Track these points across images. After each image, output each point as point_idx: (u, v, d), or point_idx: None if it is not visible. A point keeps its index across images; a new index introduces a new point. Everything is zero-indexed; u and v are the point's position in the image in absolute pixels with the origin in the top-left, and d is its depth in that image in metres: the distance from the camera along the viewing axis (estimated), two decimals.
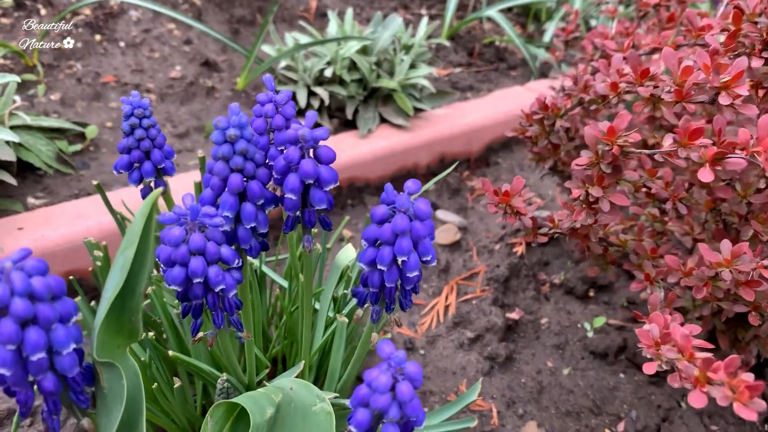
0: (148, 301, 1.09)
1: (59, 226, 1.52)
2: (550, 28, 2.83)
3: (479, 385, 1.18)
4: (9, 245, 1.42)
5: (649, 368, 0.97)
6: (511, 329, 1.68)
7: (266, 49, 2.25)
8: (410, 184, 0.77)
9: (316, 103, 2.11)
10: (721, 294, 1.11)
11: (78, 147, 1.84)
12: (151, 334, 1.04)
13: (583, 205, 1.13)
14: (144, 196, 1.00)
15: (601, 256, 1.35)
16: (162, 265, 0.76)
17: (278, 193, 0.87)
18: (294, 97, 2.22)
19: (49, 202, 1.65)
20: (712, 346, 0.99)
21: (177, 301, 1.11)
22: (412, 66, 2.23)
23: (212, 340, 0.84)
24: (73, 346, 0.62)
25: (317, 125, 2.13)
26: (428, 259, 0.78)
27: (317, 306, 1.23)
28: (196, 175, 1.73)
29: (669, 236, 1.34)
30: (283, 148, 0.89)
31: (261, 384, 1.10)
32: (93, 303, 1.25)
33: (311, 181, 0.76)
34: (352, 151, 2.00)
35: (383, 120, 2.17)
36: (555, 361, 1.60)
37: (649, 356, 0.99)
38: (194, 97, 2.17)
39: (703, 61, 1.03)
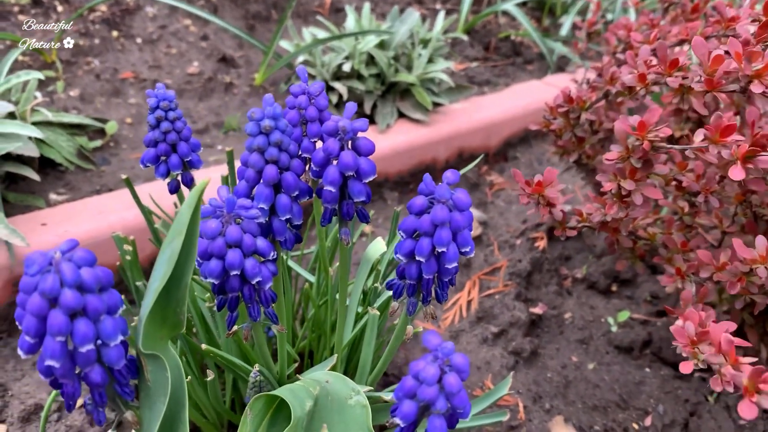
0: None
1: (82, 222, 1.51)
2: (567, 22, 2.81)
3: (510, 380, 1.17)
4: (33, 241, 1.42)
5: (686, 367, 0.96)
6: (534, 324, 1.67)
7: (284, 44, 2.24)
8: (449, 174, 0.76)
9: (334, 98, 2.10)
10: (755, 289, 1.10)
11: (98, 143, 1.84)
12: None
13: (615, 199, 1.12)
14: (172, 190, 1.00)
15: (630, 249, 1.34)
16: (198, 258, 0.75)
17: (309, 183, 0.87)
18: None
19: (70, 198, 1.65)
20: (750, 344, 0.98)
21: (207, 295, 1.11)
22: (430, 60, 2.22)
23: (247, 333, 0.84)
24: (120, 337, 0.61)
25: None
26: (467, 250, 0.77)
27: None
28: (216, 171, 1.73)
29: (698, 229, 1.33)
30: (316, 139, 0.89)
31: (290, 377, 1.10)
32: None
33: (351, 173, 0.76)
34: None
35: (401, 115, 2.16)
36: (580, 355, 1.58)
37: (684, 354, 0.98)
38: (212, 92, 2.17)
39: (734, 50, 1.02)
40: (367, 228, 1.93)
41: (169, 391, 0.66)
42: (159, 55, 2.26)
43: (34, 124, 1.64)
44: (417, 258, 0.75)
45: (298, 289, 1.51)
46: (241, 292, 0.77)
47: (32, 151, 1.54)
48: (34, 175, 1.57)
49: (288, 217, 0.79)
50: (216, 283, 0.75)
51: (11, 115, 1.61)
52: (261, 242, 0.75)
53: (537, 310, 1.69)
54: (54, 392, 1.06)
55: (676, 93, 1.06)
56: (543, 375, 1.52)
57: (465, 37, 2.50)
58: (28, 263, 0.57)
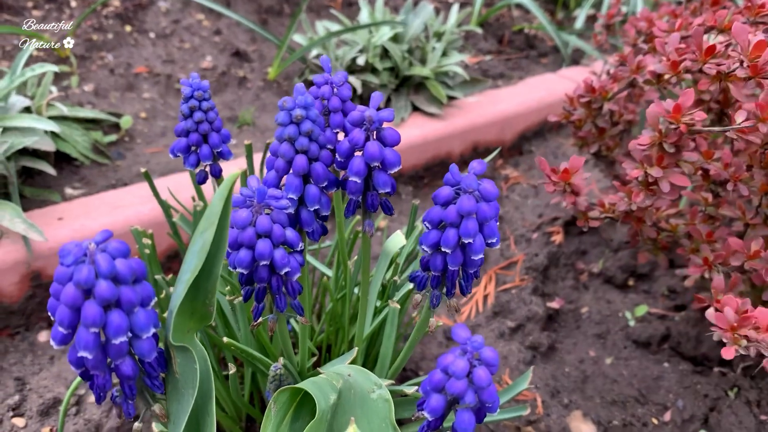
0: None
1: (98, 216, 1.51)
2: (582, 15, 2.79)
3: (530, 374, 1.16)
4: (49, 235, 1.42)
5: (728, 353, 0.95)
6: (551, 318, 1.66)
7: (297, 38, 2.23)
8: (476, 164, 0.75)
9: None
10: None
11: (113, 137, 1.83)
12: None
13: (641, 187, 1.11)
14: (200, 180, 0.99)
15: (653, 241, 1.33)
16: (227, 248, 0.74)
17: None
18: None
19: (86, 193, 1.65)
20: None
21: (227, 287, 1.11)
22: (444, 54, 2.21)
23: (273, 325, 0.83)
24: (153, 330, 0.61)
25: None
26: (493, 241, 0.76)
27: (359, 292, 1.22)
28: (232, 165, 1.72)
29: (721, 221, 1.31)
30: (338, 130, 0.88)
31: (309, 371, 1.09)
32: None
33: (376, 164, 0.75)
34: None
35: (415, 108, 2.15)
36: (597, 350, 1.58)
37: (725, 341, 0.97)
38: (226, 87, 2.17)
39: None
40: (381, 222, 1.92)
41: (198, 383, 0.66)
42: (172, 50, 2.26)
43: (50, 118, 1.64)
44: (442, 249, 0.75)
45: (314, 284, 1.51)
46: (269, 282, 0.76)
47: (48, 146, 1.54)
48: (51, 170, 1.57)
49: (316, 207, 0.78)
50: (245, 273, 0.75)
51: (27, 110, 1.61)
52: (290, 233, 0.75)
53: (554, 304, 1.68)
54: (72, 387, 1.06)
55: (712, 80, 1.05)
56: (561, 369, 1.51)
57: (479, 30, 2.49)
58: (63, 253, 0.57)
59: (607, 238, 1.94)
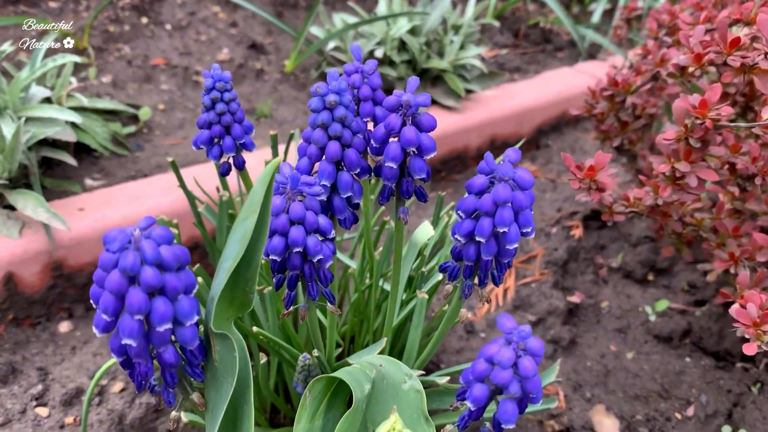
0: None
1: (119, 207, 1.51)
2: (598, 9, 2.77)
3: (557, 367, 1.16)
4: (71, 225, 1.41)
5: (750, 349, 0.94)
6: (572, 313, 1.65)
7: (314, 30, 2.22)
8: (511, 152, 0.74)
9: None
10: None
11: (132, 129, 1.83)
12: None
13: (668, 181, 1.10)
14: (223, 172, 0.99)
15: (677, 235, 1.32)
16: None
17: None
18: None
19: (106, 184, 1.65)
20: None
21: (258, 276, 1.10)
22: (462, 47, 2.20)
23: (304, 313, 0.83)
24: (196, 317, 0.60)
25: None
26: (528, 230, 0.75)
27: (387, 286, 1.22)
28: (255, 156, 1.71)
29: (746, 215, 1.30)
30: (368, 119, 0.87)
31: (335, 361, 1.09)
32: None
33: (412, 150, 0.74)
34: None
35: (432, 101, 2.14)
36: (618, 344, 1.57)
37: (747, 336, 0.97)
38: (243, 79, 2.16)
39: None
40: (388, 216, 1.91)
41: (237, 371, 0.65)
42: (189, 42, 2.25)
43: (70, 109, 1.63)
44: (477, 238, 0.74)
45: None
46: (302, 270, 0.76)
47: (70, 136, 1.53)
48: (71, 160, 1.57)
49: (349, 194, 0.77)
50: (278, 260, 0.74)
51: (47, 100, 1.61)
52: (323, 220, 0.74)
53: (574, 298, 1.67)
54: (96, 377, 1.06)
55: (737, 72, 1.04)
56: (582, 364, 1.50)
57: (496, 23, 2.47)
58: (108, 239, 0.56)
59: (626, 233, 1.93)
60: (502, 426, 0.67)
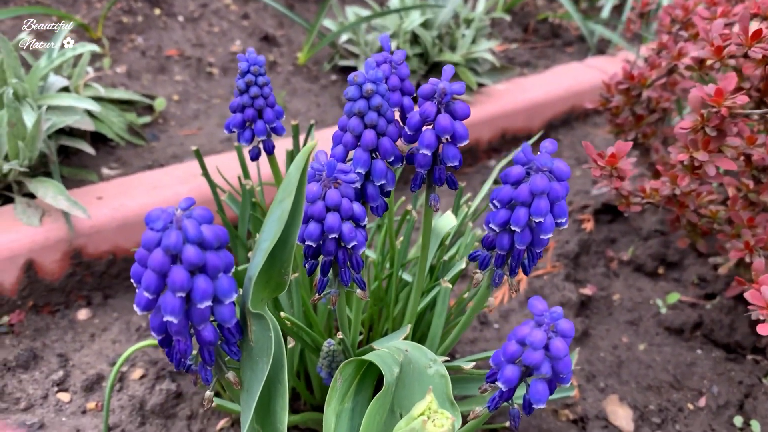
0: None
1: (137, 196, 1.52)
2: (607, 5, 2.78)
3: (576, 355, 1.17)
4: (91, 213, 1.43)
5: (764, 329, 0.96)
6: (584, 305, 1.66)
7: (326, 23, 2.23)
8: (548, 144, 0.75)
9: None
10: None
11: (147, 119, 1.84)
12: None
13: (686, 171, 1.11)
14: (253, 157, 1.00)
15: (693, 227, 1.33)
16: None
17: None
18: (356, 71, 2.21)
19: (122, 173, 1.66)
20: None
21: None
22: (473, 41, 2.21)
23: (335, 299, 0.84)
24: (235, 295, 0.62)
25: None
26: (563, 221, 0.76)
27: (405, 275, 1.23)
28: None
29: (761, 207, 1.31)
30: (396, 108, 0.88)
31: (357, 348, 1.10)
32: None
33: (446, 137, 0.75)
34: None
35: None
36: (630, 336, 1.58)
37: (761, 318, 0.98)
38: None
39: None
40: (410, 206, 1.93)
41: (273, 352, 0.66)
42: (201, 33, 2.26)
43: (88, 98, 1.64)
44: (512, 228, 0.75)
45: None
46: (336, 256, 0.77)
47: (88, 125, 1.55)
48: (89, 149, 1.58)
49: (383, 182, 0.79)
50: (312, 246, 0.75)
51: (65, 90, 1.62)
52: (357, 207, 0.75)
53: (586, 291, 1.68)
54: (119, 362, 1.07)
55: (758, 64, 1.05)
56: (596, 355, 1.51)
57: (507, 17, 2.48)
58: (151, 219, 0.57)
59: (636, 227, 1.94)
60: (533, 406, 0.68)
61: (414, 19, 2.09)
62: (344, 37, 2.18)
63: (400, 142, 0.83)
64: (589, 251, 1.85)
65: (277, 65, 2.22)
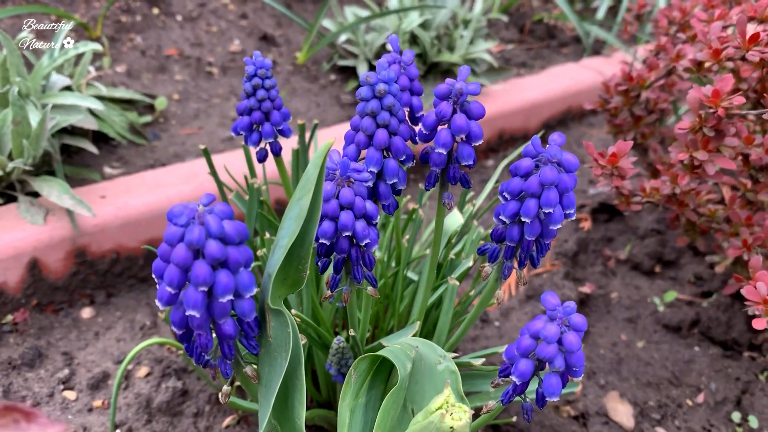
0: (259, 262, 1.10)
1: (140, 195, 1.53)
2: (603, 6, 2.80)
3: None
4: (94, 212, 1.43)
5: (759, 324, 0.98)
6: (583, 303, 1.68)
7: (326, 23, 2.24)
8: (556, 137, 0.77)
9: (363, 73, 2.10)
10: None
11: (148, 118, 1.85)
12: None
13: (686, 170, 1.13)
14: (260, 158, 1.01)
15: (691, 225, 1.35)
16: None
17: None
18: (354, 71, 2.22)
19: (125, 172, 1.67)
20: None
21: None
22: (471, 41, 2.22)
23: (347, 296, 0.85)
24: (255, 289, 0.63)
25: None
26: (571, 212, 0.78)
27: (409, 273, 1.24)
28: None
29: (758, 206, 1.34)
30: (406, 108, 0.90)
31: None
32: None
33: (461, 137, 0.77)
34: None
35: None
36: (629, 334, 1.60)
37: (757, 313, 1.00)
38: None
39: None
40: (410, 205, 1.94)
41: (291, 347, 0.67)
42: (200, 33, 2.27)
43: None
44: (522, 219, 0.76)
45: None
46: (349, 254, 0.78)
47: (91, 124, 1.55)
48: (92, 148, 1.58)
49: (394, 181, 0.80)
50: (326, 244, 0.76)
51: (67, 89, 1.62)
52: (369, 205, 0.77)
53: (585, 289, 1.70)
54: (126, 360, 1.08)
55: (755, 67, 1.07)
56: (595, 352, 1.53)
57: (505, 18, 2.50)
58: (174, 214, 0.58)
59: (633, 226, 1.97)
60: (547, 399, 0.69)
61: (413, 20, 2.11)
62: (343, 37, 2.19)
63: (409, 142, 0.84)
64: (587, 250, 1.87)
65: (276, 65, 2.23)
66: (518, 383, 0.70)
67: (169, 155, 1.75)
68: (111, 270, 1.50)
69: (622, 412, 1.38)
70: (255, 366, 0.73)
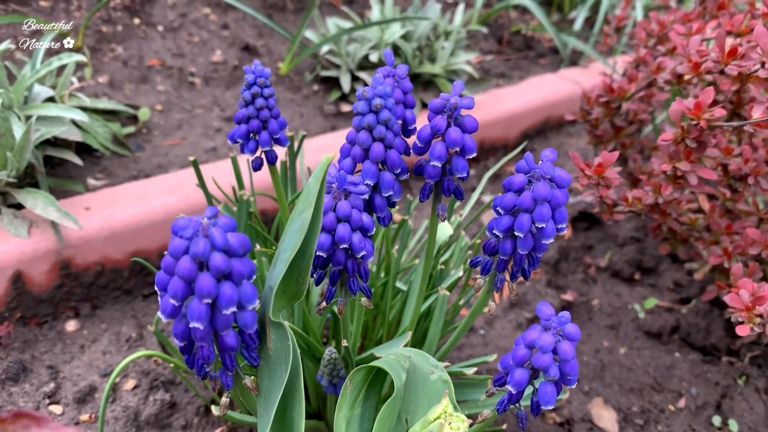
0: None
1: (125, 206, 1.52)
2: (580, 17, 2.86)
3: None
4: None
5: (743, 330, 1.00)
6: (565, 310, 1.70)
7: (308, 34, 2.26)
8: (548, 153, 0.79)
9: (360, 88, 2.12)
10: None
11: (131, 129, 1.84)
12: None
13: (669, 181, 1.16)
14: (255, 167, 1.01)
15: (673, 234, 1.38)
16: None
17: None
18: (337, 82, 2.24)
19: (109, 183, 1.66)
20: None
21: None
22: (452, 53, 2.25)
23: (342, 307, 0.86)
24: (257, 301, 0.63)
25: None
26: (563, 226, 0.80)
27: (397, 283, 1.25)
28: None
29: (737, 215, 1.37)
30: (400, 121, 0.91)
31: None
32: None
33: (456, 150, 0.78)
34: None
35: (424, 105, 2.19)
36: (610, 340, 1.63)
37: (740, 320, 1.03)
38: (239, 81, 2.18)
39: None
40: (396, 216, 1.95)
41: (291, 359, 0.68)
42: (181, 43, 2.26)
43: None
44: (515, 234, 0.78)
45: None
46: (345, 266, 0.79)
47: (75, 136, 1.54)
48: (77, 159, 1.57)
49: (390, 193, 0.81)
50: (323, 256, 0.77)
51: (50, 100, 1.61)
52: (366, 218, 0.78)
53: (567, 296, 1.73)
54: (114, 374, 1.07)
55: (734, 80, 1.10)
56: (579, 358, 1.56)
57: (484, 29, 2.54)
58: (180, 227, 0.59)
59: (612, 234, 2.00)
60: (542, 407, 0.71)
61: (395, 31, 2.13)
62: (325, 48, 2.21)
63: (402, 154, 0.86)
64: (568, 258, 1.90)
65: None
66: (514, 392, 0.72)
67: (152, 166, 1.74)
68: (96, 282, 1.49)
69: (606, 418, 1.41)
70: (254, 377, 0.74)
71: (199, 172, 1.15)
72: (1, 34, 1.96)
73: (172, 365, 1.18)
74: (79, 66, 2.00)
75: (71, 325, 1.45)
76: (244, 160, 1.47)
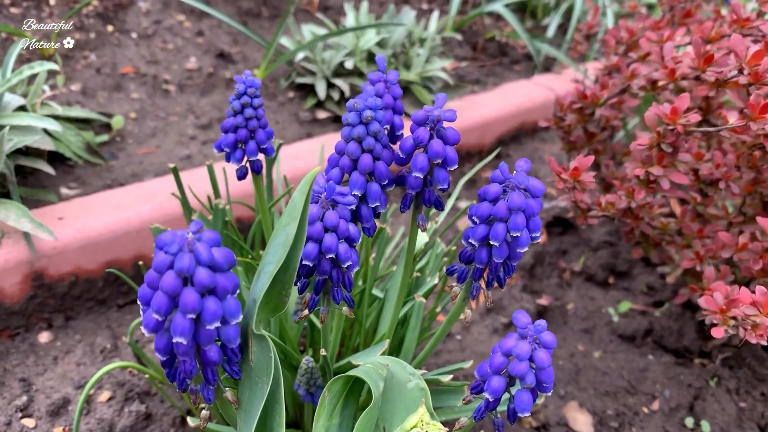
0: None
1: (99, 216, 1.51)
2: (553, 24, 2.89)
3: None
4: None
5: (717, 332, 1.03)
6: (541, 314, 1.73)
7: (283, 41, 2.26)
8: (522, 163, 0.80)
9: (335, 95, 2.12)
10: None
11: (105, 138, 1.82)
12: None
13: (641, 185, 1.19)
14: (240, 176, 1.01)
15: (645, 238, 1.41)
16: None
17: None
18: (313, 89, 2.24)
19: (82, 193, 1.64)
20: None
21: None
22: (427, 59, 2.27)
23: (324, 317, 0.86)
24: (240, 316, 0.63)
25: (336, 117, 2.15)
26: (537, 235, 0.81)
27: (375, 291, 1.26)
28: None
29: (707, 219, 1.40)
30: (387, 126, 0.92)
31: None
32: None
33: (438, 161, 0.79)
34: None
35: None
36: (585, 344, 1.65)
37: (715, 322, 1.06)
38: (214, 88, 2.17)
39: None
40: (384, 224, 1.96)
41: (273, 372, 0.68)
42: (155, 50, 2.25)
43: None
44: (491, 242, 0.79)
45: None
46: (330, 275, 0.80)
47: (48, 145, 1.52)
48: (49, 169, 1.55)
49: (376, 204, 0.82)
50: (309, 265, 0.78)
51: (22, 108, 1.59)
52: (352, 228, 0.78)
53: (542, 301, 1.75)
54: (88, 386, 1.06)
55: (711, 86, 1.13)
56: (554, 363, 1.57)
57: (459, 36, 2.56)
58: (164, 242, 0.59)
59: (586, 239, 2.03)
60: (518, 414, 0.72)
61: (370, 38, 2.14)
62: (301, 55, 2.21)
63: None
64: (543, 262, 1.92)
65: (234, 82, 2.22)
66: (491, 400, 0.73)
67: (126, 175, 1.73)
68: (69, 293, 1.47)
69: (581, 421, 1.43)
70: (234, 391, 0.74)
71: (179, 181, 1.15)
72: None
73: (147, 376, 1.18)
74: (51, 74, 1.98)
75: (44, 337, 1.43)
76: (220, 168, 1.46)
